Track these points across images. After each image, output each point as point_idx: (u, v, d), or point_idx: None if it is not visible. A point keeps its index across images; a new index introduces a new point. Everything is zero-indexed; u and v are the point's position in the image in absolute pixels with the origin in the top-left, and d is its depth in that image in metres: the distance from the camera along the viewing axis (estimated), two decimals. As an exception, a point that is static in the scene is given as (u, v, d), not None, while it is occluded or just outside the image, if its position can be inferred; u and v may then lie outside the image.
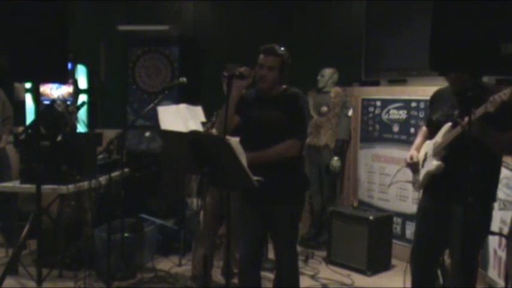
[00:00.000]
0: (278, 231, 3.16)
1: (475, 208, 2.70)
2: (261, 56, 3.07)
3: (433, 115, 3.05)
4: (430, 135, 3.05)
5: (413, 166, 3.06)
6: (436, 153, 2.90)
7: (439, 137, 2.91)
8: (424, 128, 3.21)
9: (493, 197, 2.93)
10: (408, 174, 3.20)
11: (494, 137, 2.67)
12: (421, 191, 3.10)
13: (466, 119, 2.57)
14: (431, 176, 2.93)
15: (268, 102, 3.09)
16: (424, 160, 3.01)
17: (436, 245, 3.01)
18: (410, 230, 4.76)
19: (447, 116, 2.90)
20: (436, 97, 3.11)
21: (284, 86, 3.13)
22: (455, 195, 2.82)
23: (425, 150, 3.02)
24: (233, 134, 3.01)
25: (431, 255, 3.06)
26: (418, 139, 3.18)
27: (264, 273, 3.73)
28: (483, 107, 2.57)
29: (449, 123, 2.84)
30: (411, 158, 3.08)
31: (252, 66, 3.07)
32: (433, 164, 2.89)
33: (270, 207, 3.08)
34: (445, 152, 2.85)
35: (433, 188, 2.99)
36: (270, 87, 3.08)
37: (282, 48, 3.09)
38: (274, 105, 3.05)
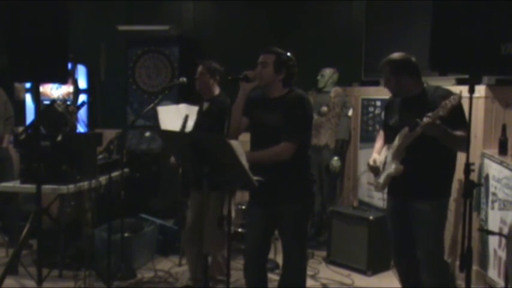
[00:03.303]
0: (284, 230, 3.17)
1: (433, 205, 3.03)
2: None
3: (389, 120, 3.23)
4: (387, 139, 3.24)
5: (376, 169, 3.23)
6: (395, 157, 3.07)
7: (396, 141, 3.07)
8: (381, 132, 3.39)
9: (449, 193, 3.13)
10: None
11: (451, 135, 2.84)
12: (385, 192, 3.29)
13: (425, 119, 2.79)
14: (392, 178, 3.09)
15: (270, 104, 3.08)
16: (385, 163, 3.17)
17: (409, 243, 3.14)
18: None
19: (403, 121, 3.07)
20: (390, 104, 3.30)
21: (288, 88, 3.10)
22: (414, 194, 3.05)
23: (385, 154, 3.20)
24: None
25: (408, 253, 3.18)
26: (379, 143, 3.35)
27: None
28: (436, 112, 2.77)
29: (407, 128, 2.99)
30: (374, 162, 3.24)
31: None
32: (392, 167, 3.06)
33: (275, 206, 3.08)
34: (404, 155, 3.03)
35: (394, 188, 3.17)
36: (266, 84, 3.06)
37: (289, 54, 3.09)
38: (276, 107, 3.04)
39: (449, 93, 2.90)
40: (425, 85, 3.11)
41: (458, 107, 2.81)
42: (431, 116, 2.77)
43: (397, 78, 3.05)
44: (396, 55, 3.09)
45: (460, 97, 2.77)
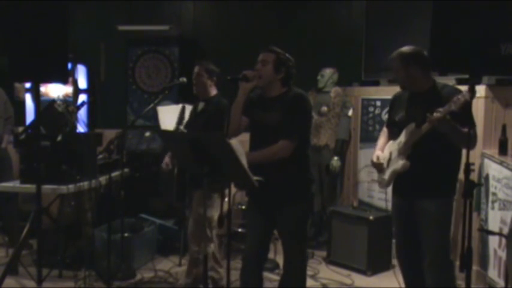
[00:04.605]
0: (283, 230, 3.16)
1: (439, 203, 2.98)
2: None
3: (395, 116, 3.18)
4: (392, 135, 3.19)
5: (379, 166, 3.18)
6: (402, 153, 3.01)
7: (402, 137, 3.02)
8: (385, 129, 3.34)
9: (454, 192, 3.07)
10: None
11: (460, 131, 2.78)
12: (385, 192, 3.27)
13: (435, 114, 2.71)
14: (397, 175, 3.05)
15: (269, 104, 3.08)
16: (389, 160, 3.13)
17: (414, 241, 3.10)
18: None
19: (410, 116, 3.01)
20: (396, 99, 3.25)
21: (287, 88, 3.10)
22: (419, 192, 3.00)
23: (389, 150, 3.15)
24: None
25: (413, 251, 3.14)
26: (381, 140, 3.30)
27: (264, 273, 3.72)
28: (447, 106, 2.69)
29: (413, 124, 2.94)
30: (377, 158, 3.20)
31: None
32: (399, 163, 3.01)
33: (274, 207, 3.08)
34: (410, 151, 2.98)
35: (400, 186, 3.13)
36: (266, 83, 3.06)
37: (287, 55, 3.10)
38: (275, 106, 3.04)
39: (459, 91, 2.84)
40: (435, 81, 3.03)
41: (469, 103, 2.71)
42: (442, 110, 2.70)
43: (406, 70, 3.00)
44: (407, 48, 3.04)
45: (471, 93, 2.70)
